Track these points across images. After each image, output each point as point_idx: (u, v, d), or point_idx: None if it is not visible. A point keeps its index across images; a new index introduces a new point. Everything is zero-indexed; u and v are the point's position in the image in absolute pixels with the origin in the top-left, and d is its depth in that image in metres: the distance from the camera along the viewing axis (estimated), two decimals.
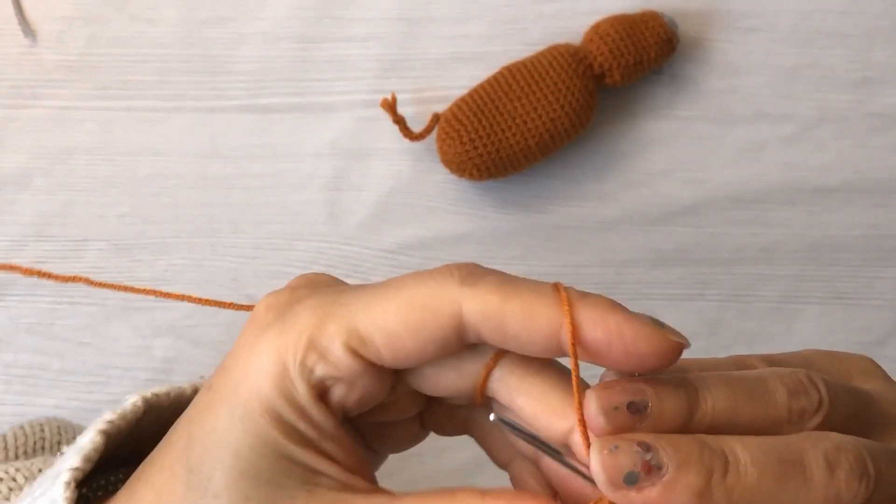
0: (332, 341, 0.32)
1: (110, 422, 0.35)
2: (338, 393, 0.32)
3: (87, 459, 0.34)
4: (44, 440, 0.47)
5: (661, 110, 0.65)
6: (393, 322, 0.32)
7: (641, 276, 0.65)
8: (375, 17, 0.65)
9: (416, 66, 0.65)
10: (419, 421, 0.37)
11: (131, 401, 0.36)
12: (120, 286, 0.48)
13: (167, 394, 0.37)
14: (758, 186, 0.65)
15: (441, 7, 0.65)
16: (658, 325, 0.32)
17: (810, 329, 0.65)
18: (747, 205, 0.65)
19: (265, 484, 0.31)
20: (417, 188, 0.65)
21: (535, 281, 0.32)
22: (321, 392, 0.32)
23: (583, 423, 0.31)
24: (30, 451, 0.47)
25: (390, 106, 0.62)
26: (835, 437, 0.31)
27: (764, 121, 0.65)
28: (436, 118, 0.62)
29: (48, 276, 0.51)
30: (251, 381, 0.32)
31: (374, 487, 0.32)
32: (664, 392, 0.31)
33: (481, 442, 0.37)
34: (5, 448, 0.46)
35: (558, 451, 0.33)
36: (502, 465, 0.37)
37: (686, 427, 0.31)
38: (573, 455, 0.33)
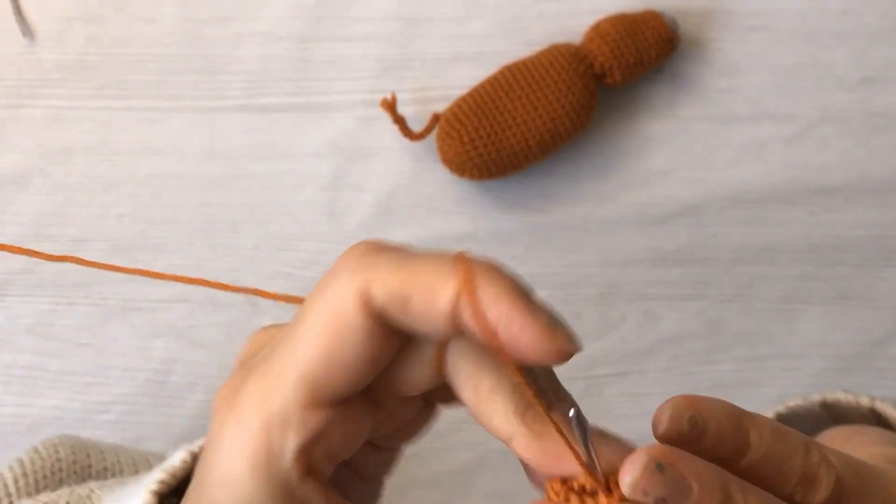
0: (285, 408, 0.30)
1: (162, 482, 0.35)
2: (318, 453, 0.31)
3: None
4: (60, 462, 0.47)
5: (662, 110, 0.65)
6: (317, 352, 0.30)
7: (641, 276, 0.65)
8: (375, 17, 0.65)
9: (416, 66, 0.65)
10: (423, 404, 0.36)
11: (180, 457, 0.36)
12: (112, 266, 0.47)
13: None
14: (759, 186, 0.65)
15: (441, 7, 0.64)
16: (553, 324, 0.29)
17: (811, 329, 0.65)
18: (748, 205, 0.65)
19: None
20: (417, 188, 0.65)
21: (436, 254, 0.30)
22: (303, 467, 0.31)
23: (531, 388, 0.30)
24: (48, 474, 0.46)
25: (390, 106, 0.62)
26: None
27: (765, 120, 0.65)
28: (436, 118, 0.62)
29: (37, 254, 0.50)
30: (229, 492, 0.31)
31: None
32: (708, 491, 0.29)
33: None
34: (24, 475, 0.46)
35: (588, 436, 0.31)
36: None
37: (730, 465, 0.30)
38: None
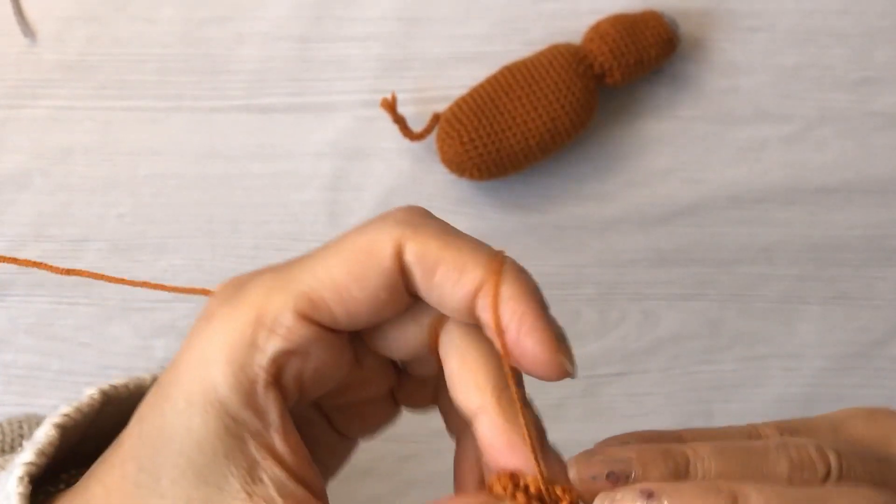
0: (281, 311, 0.31)
1: (66, 415, 0.34)
2: (293, 367, 0.31)
3: (41, 454, 0.33)
4: (23, 437, 0.47)
5: (662, 110, 0.65)
6: (338, 274, 0.31)
7: (641, 276, 0.65)
8: (375, 17, 0.65)
9: (416, 66, 0.65)
10: (391, 399, 0.37)
11: (88, 393, 0.35)
12: (118, 279, 0.48)
13: (126, 385, 0.36)
14: (758, 186, 0.65)
15: (441, 7, 0.65)
16: (560, 342, 0.31)
17: (810, 329, 0.65)
18: (748, 205, 0.65)
19: (205, 485, 0.30)
20: (417, 188, 0.65)
21: (479, 241, 0.32)
22: (275, 373, 0.31)
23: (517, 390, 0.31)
24: (7, 449, 0.46)
25: (390, 106, 0.62)
26: (863, 490, 0.29)
27: (765, 120, 0.65)
28: (436, 118, 0.62)
29: (49, 268, 0.50)
30: (197, 371, 0.31)
31: (309, 498, 0.31)
32: (650, 460, 0.30)
33: (443, 412, 0.37)
34: None
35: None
36: (454, 434, 0.36)
37: None
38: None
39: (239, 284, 0.33)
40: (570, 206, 0.65)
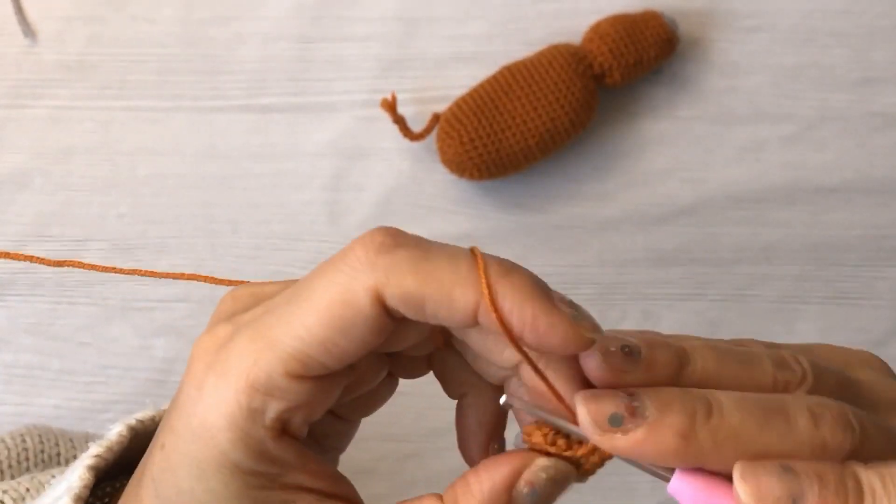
0: (271, 376, 0.31)
1: (98, 456, 0.35)
2: (298, 418, 0.32)
3: (77, 498, 0.34)
4: (27, 451, 0.47)
5: (661, 110, 0.65)
6: (319, 331, 0.30)
7: (641, 276, 0.65)
8: (375, 17, 0.65)
9: (416, 66, 0.65)
10: (387, 378, 0.37)
11: (116, 430, 0.36)
12: (108, 268, 0.48)
13: (152, 419, 0.37)
14: (758, 186, 0.65)
15: (441, 7, 0.65)
16: (576, 317, 0.31)
17: (810, 329, 0.65)
18: (747, 205, 0.65)
19: None
20: (417, 188, 0.65)
21: (452, 252, 0.31)
22: (280, 426, 0.31)
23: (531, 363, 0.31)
24: (14, 463, 0.46)
25: (390, 106, 0.62)
26: (817, 397, 0.31)
27: (764, 120, 0.65)
28: (436, 118, 0.62)
29: (40, 260, 0.51)
30: (203, 440, 0.31)
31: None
32: (658, 345, 0.32)
33: (439, 376, 0.37)
34: None
35: (564, 419, 0.32)
36: (454, 397, 0.37)
37: (674, 381, 0.31)
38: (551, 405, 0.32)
39: (217, 347, 0.32)
40: (570, 206, 0.65)
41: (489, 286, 0.30)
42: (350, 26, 0.65)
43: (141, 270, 0.47)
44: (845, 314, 0.65)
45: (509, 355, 0.32)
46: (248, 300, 0.34)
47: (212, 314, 0.34)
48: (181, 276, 0.41)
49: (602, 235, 0.65)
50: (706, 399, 0.30)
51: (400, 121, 0.62)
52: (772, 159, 0.65)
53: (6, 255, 0.53)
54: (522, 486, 0.32)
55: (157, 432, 0.33)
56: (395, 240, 0.32)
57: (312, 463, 0.32)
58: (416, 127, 0.63)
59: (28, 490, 0.39)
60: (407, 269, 0.30)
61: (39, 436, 0.48)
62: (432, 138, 0.63)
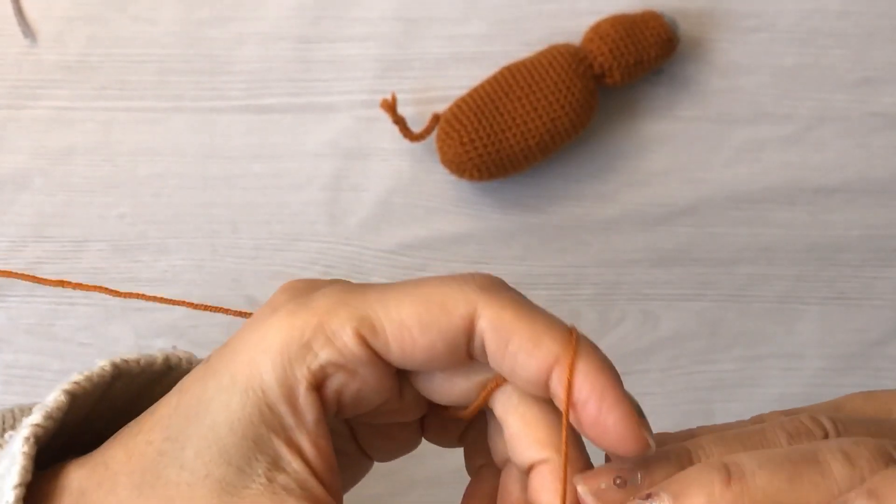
0: (342, 326, 0.31)
1: (76, 382, 0.34)
2: (336, 382, 0.32)
3: (48, 417, 0.33)
4: (14, 423, 0.47)
5: (661, 110, 0.65)
6: (406, 314, 0.31)
7: (641, 276, 0.65)
8: (375, 17, 0.65)
9: (416, 66, 0.65)
10: (418, 426, 0.37)
11: (100, 364, 0.35)
12: (103, 289, 0.48)
13: (137, 361, 0.36)
14: (758, 186, 0.65)
15: (441, 7, 0.65)
16: (641, 415, 0.31)
17: (810, 329, 0.65)
18: (747, 205, 0.65)
19: (227, 464, 0.30)
20: (417, 188, 0.65)
21: (552, 316, 0.32)
22: (319, 379, 0.32)
23: (565, 467, 0.31)
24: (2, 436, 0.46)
25: (390, 106, 0.62)
26: (849, 438, 0.30)
27: (764, 121, 0.65)
28: (436, 118, 0.62)
29: (39, 280, 0.51)
30: (248, 354, 0.31)
31: (328, 499, 0.31)
32: (654, 463, 0.31)
33: (467, 453, 0.37)
34: None
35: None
36: (471, 473, 0.37)
37: None
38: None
39: (311, 286, 0.33)
40: (570, 206, 0.65)
41: (574, 347, 0.31)
42: (350, 27, 0.65)
43: (160, 298, 0.47)
44: (845, 314, 0.65)
45: (531, 454, 0.33)
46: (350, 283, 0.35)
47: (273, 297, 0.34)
48: (233, 313, 0.41)
49: (602, 235, 0.65)
50: (723, 465, 0.29)
51: (400, 121, 0.62)
52: (772, 159, 0.65)
53: (38, 280, 0.54)
54: None
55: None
56: (507, 285, 0.33)
57: (323, 439, 0.32)
58: (416, 127, 0.63)
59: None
60: (509, 304, 0.31)
61: (31, 410, 0.48)
62: (432, 139, 0.63)
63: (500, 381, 0.33)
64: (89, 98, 0.65)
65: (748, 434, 0.31)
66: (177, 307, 0.65)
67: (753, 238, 0.65)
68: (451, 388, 0.34)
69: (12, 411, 0.46)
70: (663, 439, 0.33)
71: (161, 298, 0.47)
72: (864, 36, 0.65)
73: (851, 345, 0.65)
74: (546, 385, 0.31)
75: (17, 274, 0.58)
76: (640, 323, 0.65)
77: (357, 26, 0.65)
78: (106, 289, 0.49)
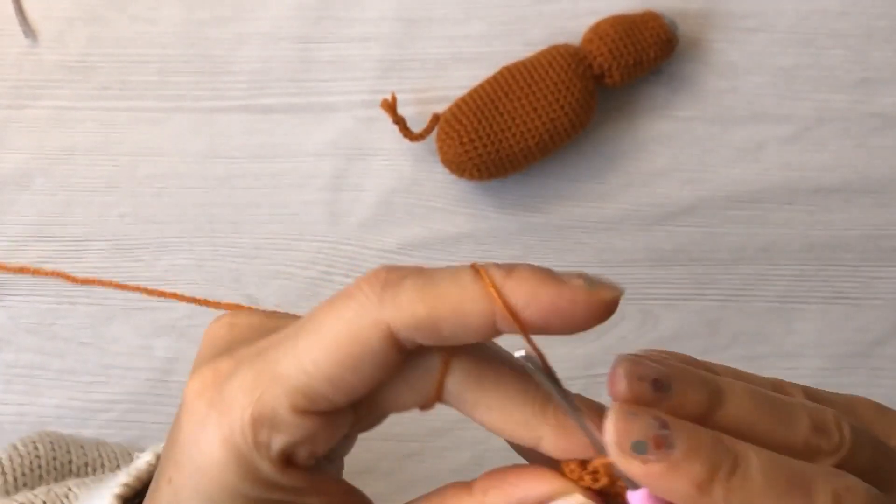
0: (276, 411, 0.30)
1: (126, 485, 0.35)
2: (303, 452, 0.31)
3: None
4: (39, 459, 0.47)
5: (661, 110, 0.65)
6: (326, 367, 0.30)
7: (641, 276, 0.65)
8: (375, 18, 0.65)
9: (416, 66, 0.65)
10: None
11: (145, 459, 0.35)
12: (130, 286, 0.48)
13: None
14: (757, 186, 0.65)
15: (441, 7, 0.65)
16: (590, 285, 0.30)
17: (809, 329, 0.65)
18: (747, 205, 0.65)
19: None
20: (417, 188, 0.65)
21: (454, 270, 0.30)
22: (286, 458, 0.31)
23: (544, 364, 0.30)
24: (27, 471, 0.46)
25: (390, 106, 0.62)
26: (850, 479, 0.30)
27: (763, 121, 0.65)
28: (436, 118, 0.62)
29: (62, 276, 0.52)
30: (209, 476, 0.31)
31: None
32: (691, 382, 0.31)
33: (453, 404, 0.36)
34: (2, 472, 0.45)
35: (578, 408, 0.31)
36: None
37: (703, 422, 0.30)
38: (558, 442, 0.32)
39: (216, 382, 0.32)
40: (570, 206, 0.65)
41: (496, 289, 0.30)
42: (350, 27, 0.65)
43: (168, 293, 0.47)
44: (845, 314, 0.65)
45: (520, 434, 0.32)
46: (247, 331, 0.33)
47: (204, 337, 0.34)
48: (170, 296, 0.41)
49: (602, 235, 0.65)
50: (734, 455, 0.29)
51: (400, 121, 0.62)
52: (771, 159, 0.65)
53: (70, 278, 0.54)
54: None
55: (159, 466, 0.33)
56: (398, 273, 0.31)
57: (323, 483, 0.32)
58: (416, 127, 0.63)
59: (44, 503, 0.39)
60: (415, 297, 0.30)
61: (51, 443, 0.47)
62: (432, 138, 0.63)
63: (445, 365, 0.32)
64: (90, 98, 0.65)
65: (776, 401, 0.31)
66: (177, 307, 0.65)
67: (753, 238, 0.65)
68: (402, 400, 0.32)
69: (16, 448, 0.46)
70: (687, 360, 0.32)
71: (199, 300, 0.47)
72: (863, 36, 0.65)
73: (851, 344, 0.65)
74: (495, 331, 0.30)
75: (50, 272, 0.59)
76: (640, 323, 0.65)
77: (357, 26, 0.65)
78: (142, 288, 0.49)
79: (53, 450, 0.47)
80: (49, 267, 0.64)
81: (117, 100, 0.65)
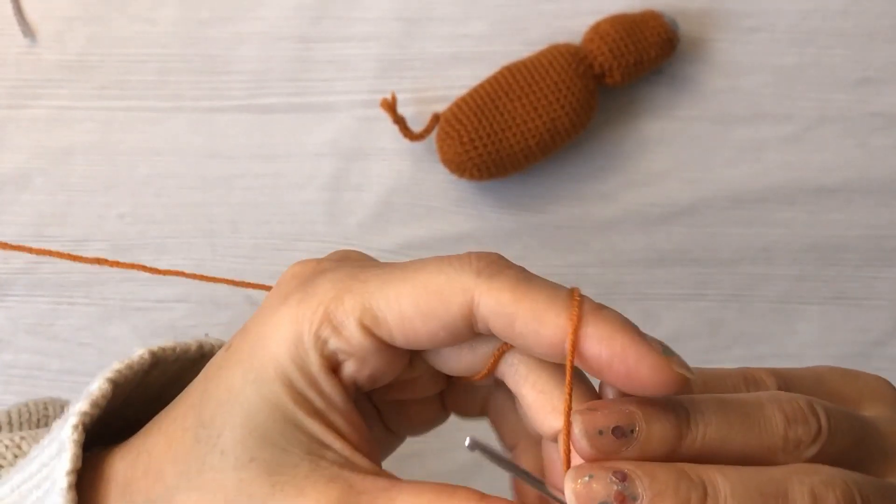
0: (346, 317, 0.32)
1: (118, 370, 0.35)
2: (349, 368, 0.33)
3: (94, 405, 0.34)
4: (48, 417, 0.48)
5: (662, 110, 0.65)
6: (406, 305, 0.32)
7: (641, 276, 0.65)
8: (375, 17, 0.65)
9: (416, 66, 0.65)
10: (440, 402, 0.38)
11: (138, 353, 0.36)
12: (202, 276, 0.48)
13: (173, 349, 0.37)
14: (758, 186, 0.65)
15: (441, 7, 0.65)
16: (667, 352, 0.31)
17: (810, 329, 0.65)
18: (747, 205, 0.65)
19: (271, 446, 0.31)
20: (417, 188, 0.65)
21: (554, 284, 0.32)
22: (333, 364, 0.33)
23: (567, 441, 0.31)
24: (34, 426, 0.47)
25: (390, 106, 0.62)
26: (824, 471, 0.30)
27: (764, 121, 0.65)
28: (436, 118, 0.62)
29: (143, 268, 0.52)
30: (267, 346, 0.32)
31: (375, 468, 0.32)
32: (653, 415, 0.31)
33: (495, 424, 0.38)
34: (9, 423, 0.47)
35: (539, 480, 0.33)
36: (509, 448, 0.37)
37: (674, 452, 0.30)
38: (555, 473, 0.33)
39: (314, 272, 0.34)
40: (570, 206, 0.65)
41: (579, 318, 0.31)
42: (350, 26, 0.65)
43: (172, 271, 0.47)
44: (845, 314, 0.65)
45: (550, 422, 0.33)
46: (359, 258, 0.36)
47: (286, 273, 0.36)
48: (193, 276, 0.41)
49: (602, 235, 0.65)
50: (703, 485, 0.29)
51: (400, 121, 0.62)
52: (772, 159, 0.65)
53: (75, 258, 0.54)
54: None
55: (231, 338, 0.35)
56: (505, 263, 0.33)
57: (354, 415, 0.33)
58: (416, 127, 0.63)
59: (23, 438, 0.40)
60: (507, 286, 0.31)
61: (62, 406, 0.49)
62: (432, 138, 0.63)
63: (506, 346, 0.33)
64: (89, 98, 0.65)
65: (747, 411, 0.31)
66: (176, 307, 0.65)
67: (753, 238, 0.65)
68: (458, 361, 0.34)
69: (27, 405, 0.47)
70: (655, 410, 0.33)
71: (204, 276, 0.47)
72: (864, 36, 0.65)
73: (851, 345, 0.65)
74: (561, 352, 0.31)
75: (54, 252, 0.59)
76: (641, 323, 0.64)
77: (357, 26, 0.65)
78: (143, 266, 0.50)
79: (63, 409, 0.48)
80: (49, 267, 0.64)
81: (116, 99, 0.65)
